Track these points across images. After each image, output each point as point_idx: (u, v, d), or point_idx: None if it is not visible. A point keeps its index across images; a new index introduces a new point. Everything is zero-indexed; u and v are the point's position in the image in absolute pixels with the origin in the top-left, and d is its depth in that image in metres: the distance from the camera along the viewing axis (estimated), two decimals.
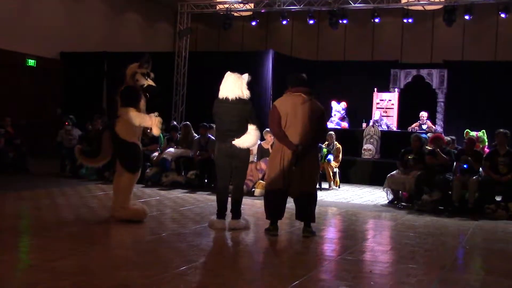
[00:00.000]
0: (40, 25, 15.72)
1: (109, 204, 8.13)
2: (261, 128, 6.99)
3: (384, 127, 14.32)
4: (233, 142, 6.51)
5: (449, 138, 10.64)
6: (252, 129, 6.58)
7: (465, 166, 9.25)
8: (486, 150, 10.94)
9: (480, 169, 9.27)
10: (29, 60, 15.90)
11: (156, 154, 11.30)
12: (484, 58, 15.96)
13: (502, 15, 14.00)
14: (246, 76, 6.67)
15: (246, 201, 8.77)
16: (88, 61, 16.81)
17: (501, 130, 9.26)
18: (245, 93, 6.61)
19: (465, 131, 11.77)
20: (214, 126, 7.52)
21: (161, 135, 11.63)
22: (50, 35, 16.11)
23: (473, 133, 11.44)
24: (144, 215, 6.96)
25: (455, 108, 14.70)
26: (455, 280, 5.01)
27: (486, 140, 11.36)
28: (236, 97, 6.55)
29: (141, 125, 6.90)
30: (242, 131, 6.56)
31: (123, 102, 6.82)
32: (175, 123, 13.44)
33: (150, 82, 6.98)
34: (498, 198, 9.08)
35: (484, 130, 11.46)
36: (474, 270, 5.65)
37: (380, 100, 15.16)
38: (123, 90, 6.89)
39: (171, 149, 11.39)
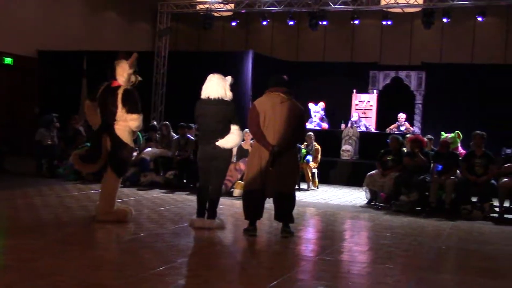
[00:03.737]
0: (18, 23, 15.51)
1: (86, 203, 8.11)
2: (243, 129, 7.00)
3: (363, 128, 14.41)
4: (217, 143, 6.53)
5: (428, 138, 10.75)
6: (235, 129, 6.61)
7: (439, 167, 9.37)
8: (462, 151, 11.06)
9: (458, 171, 9.39)
10: (6, 58, 15.68)
11: (134, 154, 11.22)
12: (462, 61, 16.13)
13: (479, 19, 14.19)
14: (229, 79, 6.75)
15: (225, 201, 8.79)
16: (66, 59, 16.62)
17: (478, 132, 9.37)
18: (228, 94, 6.66)
19: (441, 133, 11.91)
20: (195, 127, 7.52)
21: (140, 135, 11.58)
22: (28, 33, 15.90)
23: (446, 135, 11.57)
24: (129, 216, 6.94)
25: (433, 109, 14.86)
26: (432, 280, 5.06)
27: (458, 141, 11.47)
28: (218, 97, 6.57)
29: (138, 130, 6.98)
30: (226, 132, 6.58)
31: (129, 108, 6.74)
32: (154, 123, 13.38)
33: (139, 78, 6.99)
34: (474, 199, 9.19)
35: (458, 131, 11.58)
36: (450, 269, 5.71)
37: (359, 101, 15.25)
38: (125, 95, 6.76)
39: (150, 149, 11.34)
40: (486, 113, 13.93)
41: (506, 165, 9.17)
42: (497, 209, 9.02)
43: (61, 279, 4.32)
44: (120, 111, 6.74)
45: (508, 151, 10.81)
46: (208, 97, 6.60)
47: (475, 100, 14.25)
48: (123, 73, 6.83)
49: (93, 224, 6.70)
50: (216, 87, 6.61)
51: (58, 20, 16.88)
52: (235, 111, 6.72)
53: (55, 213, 7.31)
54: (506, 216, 8.88)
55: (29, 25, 15.89)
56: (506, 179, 8.93)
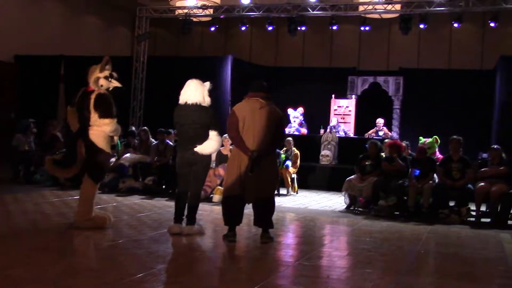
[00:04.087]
0: None
1: (64, 210, 8.02)
2: (221, 134, 7.01)
3: (342, 133, 14.49)
4: (195, 149, 6.51)
5: (405, 143, 10.85)
6: (213, 135, 6.60)
7: (417, 172, 9.46)
8: (439, 156, 11.17)
9: (435, 175, 9.48)
10: None
11: (113, 159, 11.14)
12: (439, 66, 16.32)
13: (455, 25, 14.37)
14: (207, 84, 6.74)
15: (204, 207, 8.77)
16: (44, 64, 16.47)
17: (455, 136, 9.48)
18: (206, 100, 6.66)
19: (419, 138, 12.02)
20: (175, 132, 7.51)
21: (118, 140, 11.49)
22: (4, 37, 15.67)
23: (424, 140, 11.68)
24: (108, 222, 6.88)
25: (411, 114, 15.02)
26: (410, 284, 5.09)
27: (436, 146, 11.60)
28: (196, 103, 6.57)
29: (115, 136, 6.92)
30: (204, 137, 6.57)
31: (100, 113, 6.69)
32: (133, 128, 13.31)
33: (115, 83, 6.92)
34: (451, 203, 9.28)
35: (436, 136, 11.70)
36: (428, 273, 5.75)
37: (338, 106, 15.31)
38: (97, 100, 6.72)
39: (128, 155, 11.27)
40: (463, 118, 14.13)
41: (482, 169, 9.27)
42: (473, 213, 9.13)
43: (39, 287, 4.27)
44: (93, 116, 6.71)
45: (485, 155, 10.95)
46: (186, 102, 6.59)
47: (452, 105, 14.45)
48: (92, 77, 6.81)
49: (71, 231, 6.63)
50: (194, 92, 6.60)
51: (36, 24, 16.71)
52: (214, 116, 6.72)
53: (32, 220, 7.22)
54: (482, 220, 8.98)
55: (6, 29, 15.67)
56: (482, 184, 9.03)
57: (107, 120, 6.72)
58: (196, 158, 6.57)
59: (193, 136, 6.56)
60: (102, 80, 6.82)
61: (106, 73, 6.87)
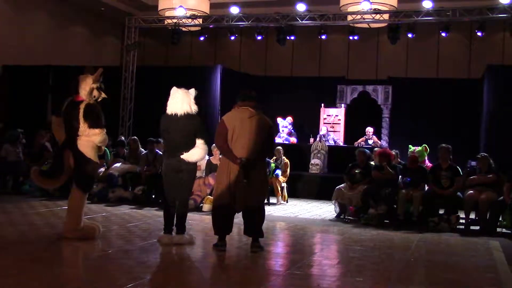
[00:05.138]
0: None
1: (53, 220, 7.97)
2: (209, 143, 7.00)
3: (331, 142, 14.52)
4: (182, 157, 6.51)
5: (394, 151, 10.90)
6: (200, 143, 6.60)
7: (408, 179, 9.49)
8: (428, 164, 11.22)
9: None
10: None
11: (102, 169, 11.10)
12: (427, 75, 16.42)
13: (443, 34, 14.48)
14: (193, 91, 6.73)
15: (194, 216, 8.75)
16: (32, 74, 16.41)
17: (444, 145, 9.53)
18: (193, 108, 6.66)
19: (409, 146, 12.08)
20: (162, 142, 7.50)
21: (108, 150, 11.45)
22: None
23: (413, 148, 11.73)
24: (97, 232, 6.84)
25: (400, 123, 15.08)
26: None
27: (425, 154, 11.65)
28: (184, 113, 6.57)
29: (103, 146, 6.89)
30: (191, 145, 6.57)
31: (90, 123, 6.67)
32: (122, 138, 13.27)
33: (103, 94, 6.93)
34: (441, 211, 9.32)
35: (425, 145, 11.75)
36: (418, 281, 5.76)
37: (327, 115, 15.37)
38: (86, 110, 6.69)
39: (118, 165, 11.23)
40: (452, 126, 14.21)
41: (471, 177, 9.32)
42: (463, 221, 9.16)
43: None
44: (82, 126, 6.68)
45: (473, 163, 11.00)
46: (174, 113, 6.60)
47: (440, 114, 14.54)
48: (86, 87, 6.79)
49: (60, 241, 6.59)
50: (181, 104, 6.60)
51: (24, 34, 16.65)
52: (202, 125, 6.73)
53: (20, 230, 7.16)
54: (471, 227, 9.02)
55: None
56: (471, 191, 9.08)
57: (97, 130, 6.70)
58: (182, 165, 6.56)
59: (180, 143, 6.57)
60: (95, 91, 6.83)
61: (98, 84, 6.88)
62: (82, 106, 6.71)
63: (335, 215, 9.99)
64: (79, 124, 6.68)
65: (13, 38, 16.26)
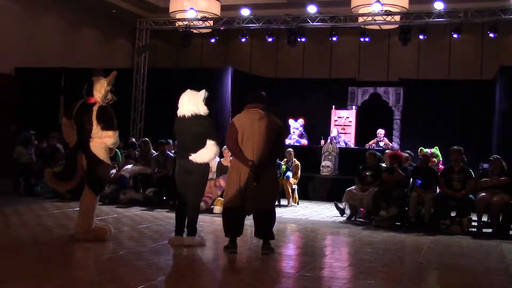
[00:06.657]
0: None
1: (65, 222, 8.01)
2: (220, 145, 6.99)
3: (342, 144, 14.48)
4: (190, 157, 6.51)
5: (407, 154, 10.84)
6: (210, 144, 6.58)
7: (418, 181, 9.44)
8: (440, 167, 11.15)
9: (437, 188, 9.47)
10: None
11: (114, 171, 11.14)
12: (438, 77, 16.35)
13: (455, 36, 14.40)
14: (202, 93, 6.71)
15: (205, 218, 8.76)
16: (44, 76, 16.50)
17: (455, 147, 9.47)
18: (202, 109, 6.64)
19: (419, 149, 11.99)
20: (174, 143, 7.53)
21: (119, 152, 11.50)
22: (4, 49, 15.73)
23: (427, 150, 11.67)
24: (108, 234, 6.86)
25: (411, 125, 15.01)
26: None
27: (440, 155, 11.59)
28: (192, 114, 6.58)
29: (114, 148, 6.96)
30: (201, 147, 6.56)
31: (104, 125, 6.70)
32: (133, 140, 13.31)
33: (113, 97, 6.98)
34: (453, 214, 9.26)
35: (437, 147, 11.69)
36: (430, 284, 5.74)
37: (338, 117, 15.35)
38: (100, 112, 6.73)
39: (129, 166, 11.27)
40: (463, 128, 14.13)
41: (483, 179, 9.26)
42: (475, 224, 9.11)
43: None
44: (95, 128, 6.71)
45: (485, 165, 10.93)
46: (183, 115, 6.63)
47: (452, 116, 14.46)
48: (101, 90, 6.81)
49: (72, 243, 6.62)
50: (187, 105, 6.61)
51: (36, 36, 16.78)
52: (213, 126, 6.72)
53: (32, 232, 7.21)
54: (484, 230, 8.95)
55: (6, 42, 15.75)
56: (483, 194, 9.02)
57: (110, 132, 6.73)
58: (192, 167, 6.56)
59: (189, 145, 6.58)
60: (109, 95, 6.88)
61: (111, 87, 6.92)
62: (95, 108, 6.74)
63: (345, 217, 9.96)
64: (92, 126, 6.71)
65: (25, 40, 16.40)
